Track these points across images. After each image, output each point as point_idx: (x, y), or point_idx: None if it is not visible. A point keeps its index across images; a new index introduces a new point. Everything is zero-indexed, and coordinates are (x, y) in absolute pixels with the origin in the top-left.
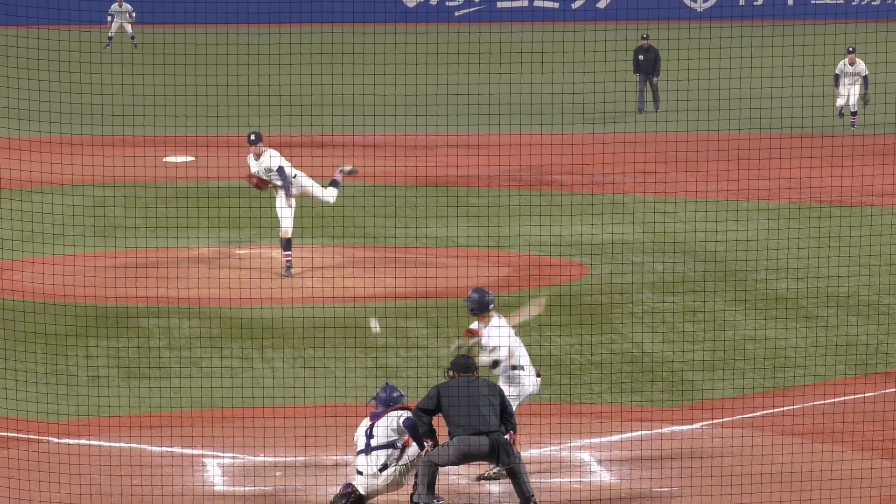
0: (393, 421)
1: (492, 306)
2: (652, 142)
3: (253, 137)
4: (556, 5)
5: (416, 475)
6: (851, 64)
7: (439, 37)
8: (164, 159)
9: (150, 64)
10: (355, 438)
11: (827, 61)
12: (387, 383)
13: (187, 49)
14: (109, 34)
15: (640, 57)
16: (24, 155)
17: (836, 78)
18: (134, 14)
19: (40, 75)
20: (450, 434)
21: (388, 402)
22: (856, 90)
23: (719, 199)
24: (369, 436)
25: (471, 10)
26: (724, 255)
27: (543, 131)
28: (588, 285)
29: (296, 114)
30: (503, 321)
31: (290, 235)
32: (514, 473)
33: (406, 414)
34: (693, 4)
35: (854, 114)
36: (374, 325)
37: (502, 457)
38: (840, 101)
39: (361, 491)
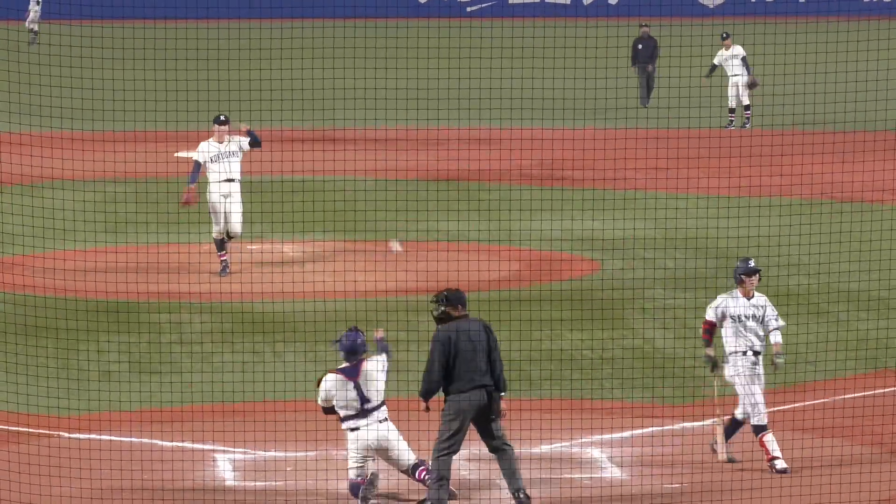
0: (380, 384)
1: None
2: (664, 137)
3: (223, 118)
4: (568, 1)
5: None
6: (727, 50)
7: (450, 32)
8: (175, 154)
9: (161, 59)
10: (334, 397)
11: (839, 58)
12: (352, 329)
13: (199, 44)
14: (32, 28)
15: (640, 46)
16: (34, 150)
17: (713, 68)
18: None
19: (51, 70)
20: (445, 389)
21: (354, 349)
22: (743, 81)
23: (731, 195)
24: (364, 399)
25: (482, 5)
26: (736, 251)
27: (555, 126)
28: (599, 281)
29: (307, 108)
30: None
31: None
32: (507, 464)
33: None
34: (705, 1)
35: (747, 108)
36: (395, 245)
37: (495, 407)
38: (732, 102)
39: (371, 437)
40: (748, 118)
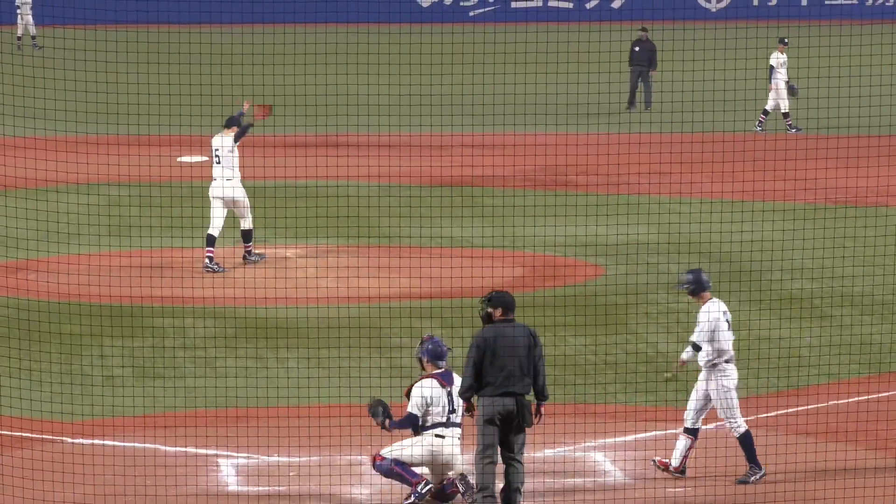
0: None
1: (709, 287)
2: (667, 142)
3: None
4: (571, 5)
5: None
6: (782, 52)
7: (454, 37)
8: (178, 159)
9: (164, 63)
10: (428, 400)
11: (842, 62)
12: (431, 336)
13: (202, 49)
14: (18, 34)
15: (636, 49)
16: (38, 154)
17: (772, 70)
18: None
19: (55, 74)
20: (479, 391)
21: (442, 355)
22: (784, 86)
23: (734, 199)
24: (451, 409)
25: (485, 10)
26: (739, 256)
27: (558, 131)
28: (602, 286)
29: (310, 114)
30: (720, 306)
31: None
32: (512, 477)
33: None
34: (707, 5)
35: (766, 113)
36: None
37: (527, 418)
38: (770, 104)
39: (446, 452)
40: (761, 122)
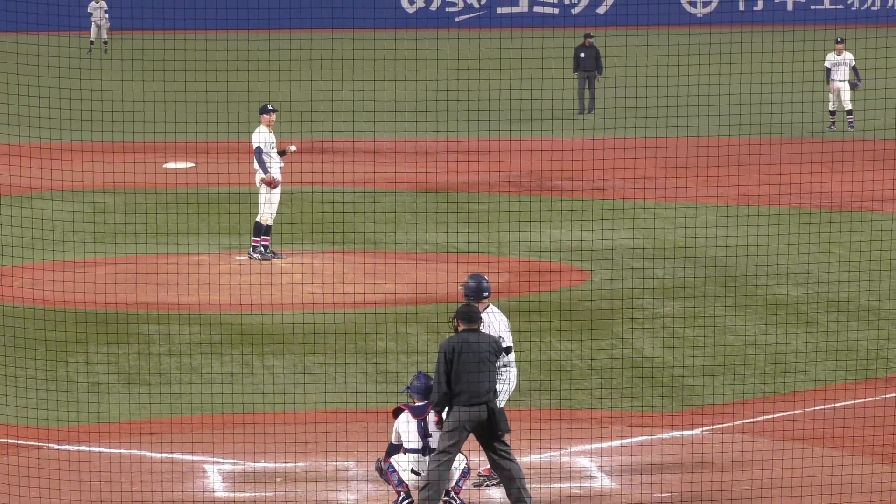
0: None
1: (487, 294)
2: (652, 147)
3: (272, 108)
4: (556, 11)
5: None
6: (839, 55)
7: (439, 42)
8: (163, 165)
9: (149, 70)
10: (401, 434)
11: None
12: (419, 373)
13: (187, 55)
14: (91, 38)
15: (582, 55)
16: (24, 161)
17: (828, 72)
18: (107, 13)
19: (40, 81)
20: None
21: (426, 390)
22: (847, 87)
23: (720, 204)
24: (425, 435)
25: (471, 15)
26: (725, 261)
27: (544, 137)
28: (588, 291)
29: (296, 120)
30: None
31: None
32: (510, 479)
33: None
34: (693, 10)
35: (850, 112)
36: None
37: (501, 425)
38: (832, 105)
39: (414, 490)
40: (852, 122)
